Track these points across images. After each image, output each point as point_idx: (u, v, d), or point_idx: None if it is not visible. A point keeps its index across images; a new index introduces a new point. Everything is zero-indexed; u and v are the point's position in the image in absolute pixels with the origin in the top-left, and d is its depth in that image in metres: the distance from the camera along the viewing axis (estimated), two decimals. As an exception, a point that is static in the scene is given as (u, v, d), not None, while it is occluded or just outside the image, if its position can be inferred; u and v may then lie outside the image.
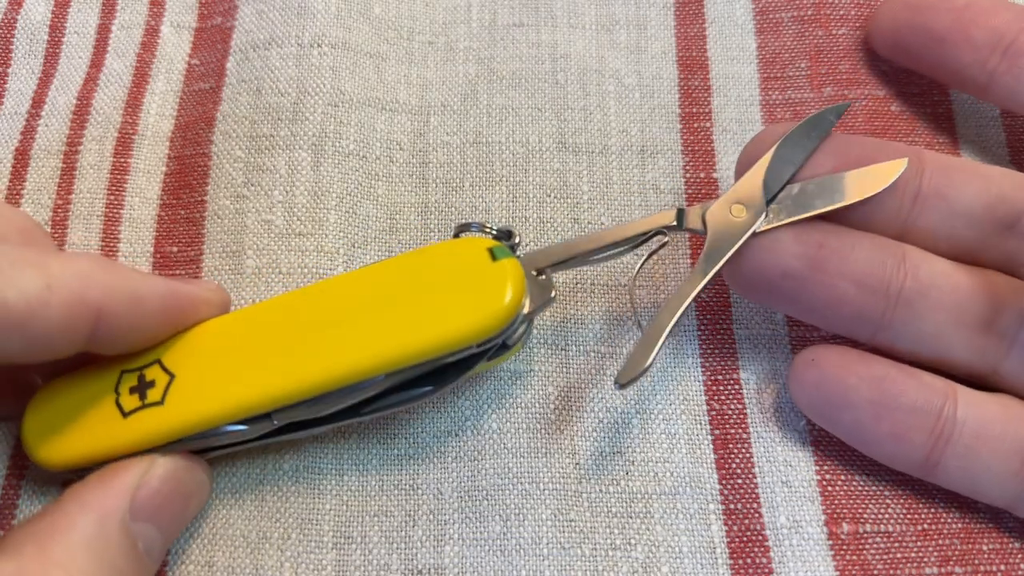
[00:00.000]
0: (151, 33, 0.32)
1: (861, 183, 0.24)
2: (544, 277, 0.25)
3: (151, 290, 0.23)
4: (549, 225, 0.29)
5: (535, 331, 0.27)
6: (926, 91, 0.31)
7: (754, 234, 0.24)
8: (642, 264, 0.26)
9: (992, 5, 0.28)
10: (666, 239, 0.25)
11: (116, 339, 0.22)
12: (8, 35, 0.31)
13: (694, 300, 0.24)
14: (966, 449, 0.24)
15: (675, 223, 0.25)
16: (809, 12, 0.32)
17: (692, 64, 0.31)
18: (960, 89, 0.30)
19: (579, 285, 0.28)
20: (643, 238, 0.25)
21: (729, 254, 0.24)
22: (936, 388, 0.24)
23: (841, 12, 0.32)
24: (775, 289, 0.25)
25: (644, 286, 0.28)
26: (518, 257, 0.24)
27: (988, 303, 0.24)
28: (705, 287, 0.24)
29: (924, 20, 0.29)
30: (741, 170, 0.26)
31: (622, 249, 0.25)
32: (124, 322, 0.22)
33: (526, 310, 0.24)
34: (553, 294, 0.25)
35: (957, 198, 0.25)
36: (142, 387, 0.23)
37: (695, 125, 0.30)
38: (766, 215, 0.24)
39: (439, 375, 0.24)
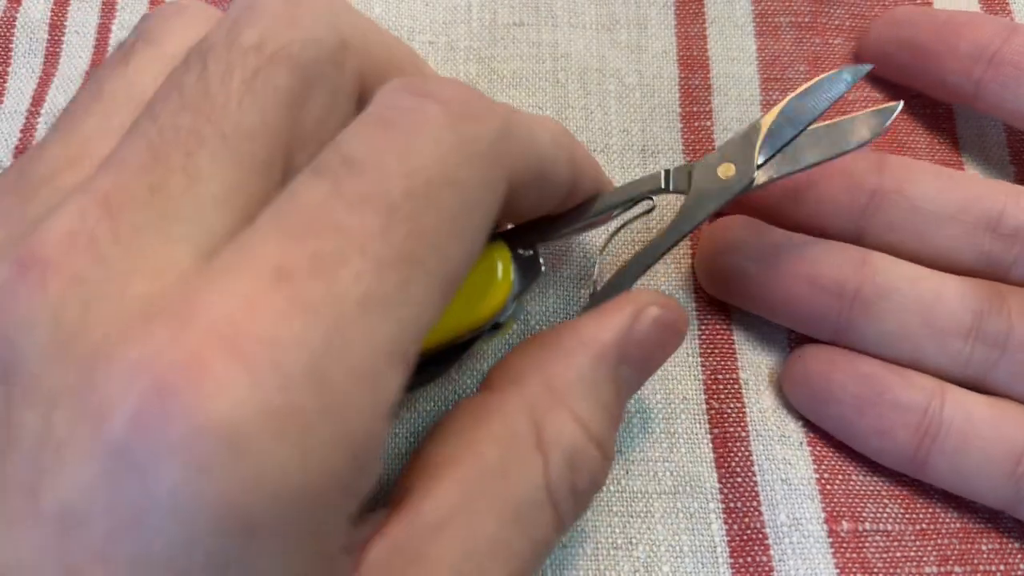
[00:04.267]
0: (151, 32, 0.32)
1: (854, 130, 0.23)
2: (531, 253, 0.24)
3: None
4: (549, 224, 0.28)
5: (536, 331, 0.27)
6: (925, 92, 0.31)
7: (735, 197, 0.23)
8: (617, 229, 0.25)
9: (974, 18, 0.29)
10: (652, 205, 0.24)
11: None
12: (8, 33, 0.31)
13: (660, 262, 0.24)
14: (954, 448, 0.24)
15: (663, 186, 0.24)
16: (806, 19, 0.32)
17: (693, 63, 0.31)
18: (950, 101, 0.30)
19: (579, 285, 0.28)
20: (629, 203, 0.24)
21: (707, 214, 0.23)
22: (923, 387, 0.24)
23: (836, 23, 0.32)
24: (731, 287, 0.26)
25: (621, 255, 0.28)
26: (501, 237, 0.23)
27: (968, 309, 0.24)
28: (672, 248, 0.23)
29: (909, 35, 0.29)
30: None
31: (607, 216, 0.24)
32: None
33: (515, 292, 0.23)
34: (542, 269, 0.24)
35: (921, 195, 0.25)
36: None
37: (696, 124, 0.30)
38: (755, 178, 0.23)
39: (437, 360, 0.23)
